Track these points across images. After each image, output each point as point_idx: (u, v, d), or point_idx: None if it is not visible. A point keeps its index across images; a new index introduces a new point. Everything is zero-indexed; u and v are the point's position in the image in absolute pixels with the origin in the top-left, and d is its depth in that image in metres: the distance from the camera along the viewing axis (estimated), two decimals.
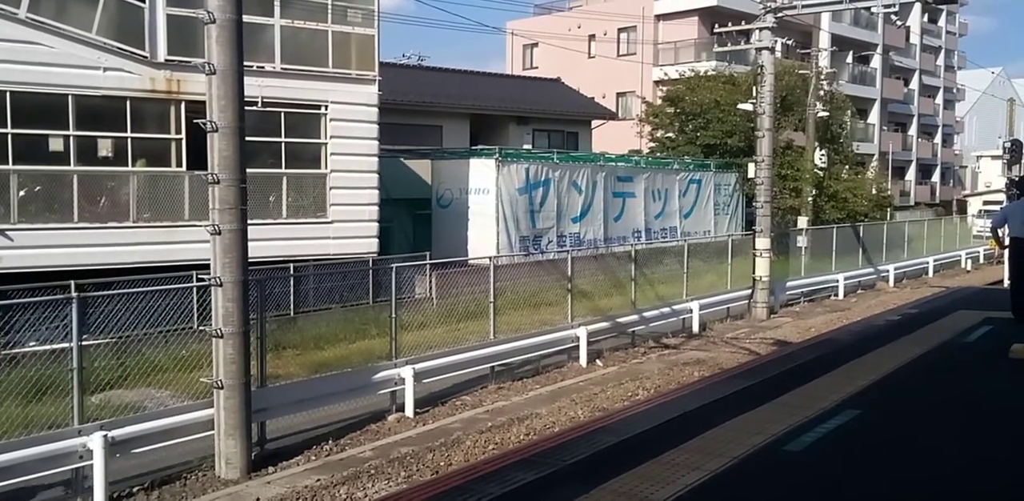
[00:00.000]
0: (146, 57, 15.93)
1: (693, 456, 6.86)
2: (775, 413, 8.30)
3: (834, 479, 6.57)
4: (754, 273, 20.60)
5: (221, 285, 9.15)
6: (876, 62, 50.91)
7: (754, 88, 21.67)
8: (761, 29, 20.97)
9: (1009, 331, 13.09)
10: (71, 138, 15.39)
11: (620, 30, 41.87)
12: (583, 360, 14.93)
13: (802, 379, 9.90)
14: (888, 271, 27.78)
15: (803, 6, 22.10)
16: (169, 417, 9.29)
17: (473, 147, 24.94)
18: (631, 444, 7.51)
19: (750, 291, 20.62)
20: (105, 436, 8.44)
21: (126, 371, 10.09)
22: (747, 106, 22.36)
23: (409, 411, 11.63)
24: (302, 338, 14.99)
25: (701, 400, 9.12)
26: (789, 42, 22.19)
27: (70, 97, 15.22)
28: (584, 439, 7.66)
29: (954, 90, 68.07)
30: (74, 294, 8.93)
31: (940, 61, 63.59)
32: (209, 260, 9.29)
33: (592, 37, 41.71)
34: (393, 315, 11.90)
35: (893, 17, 29.51)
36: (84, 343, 8.92)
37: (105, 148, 16.22)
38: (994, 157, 59.98)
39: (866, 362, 10.95)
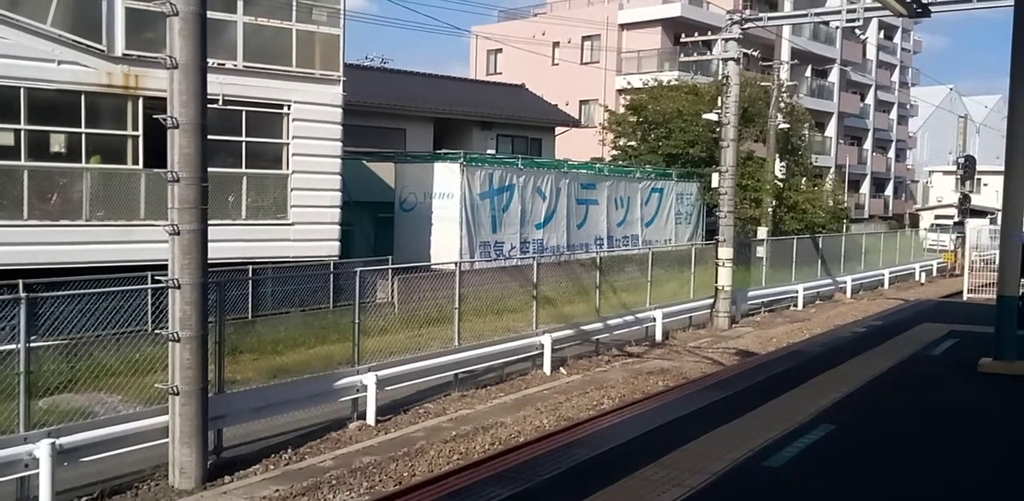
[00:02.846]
0: (103, 51, 15.44)
1: (672, 471, 6.67)
2: (751, 427, 8.16)
3: (818, 496, 6.43)
4: (716, 282, 20.58)
5: (179, 287, 8.81)
6: (834, 76, 51.56)
7: (719, 98, 21.70)
8: (727, 40, 21.01)
9: (973, 344, 13.15)
10: (22, 132, 14.86)
11: (584, 38, 41.89)
12: (547, 368, 14.74)
13: (774, 392, 9.79)
14: (846, 282, 28.03)
15: (769, 18, 22.28)
16: (121, 424, 8.93)
17: (437, 151, 24.68)
18: (607, 458, 7.29)
19: (712, 300, 20.60)
20: (53, 444, 8.09)
21: (76, 374, 9.68)
22: (712, 116, 22.39)
23: (371, 419, 11.36)
24: (260, 342, 14.62)
25: (675, 413, 8.95)
26: (755, 53, 22.24)
27: (22, 90, 14.68)
28: (558, 453, 7.43)
29: (908, 106, 69.23)
30: (22, 294, 8.51)
31: (895, 77, 64.64)
32: (165, 260, 8.97)
33: (556, 44, 41.67)
34: (356, 320, 11.60)
35: (857, 31, 29.90)
36: (32, 345, 8.53)
37: (58, 143, 15.71)
38: (946, 172, 61.11)
39: (836, 375, 10.89)
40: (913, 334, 14.62)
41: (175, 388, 8.83)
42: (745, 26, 20.89)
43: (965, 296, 24.79)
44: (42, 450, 8.04)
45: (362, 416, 11.40)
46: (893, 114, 64.86)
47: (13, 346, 8.42)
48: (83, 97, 15.32)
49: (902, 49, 66.01)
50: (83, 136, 15.47)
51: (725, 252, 20.70)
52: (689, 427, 8.23)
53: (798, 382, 10.43)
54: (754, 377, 11.01)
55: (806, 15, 20.76)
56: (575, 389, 13.53)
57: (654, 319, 18.06)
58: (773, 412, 8.82)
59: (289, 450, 10.10)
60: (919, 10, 14.09)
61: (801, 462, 7.12)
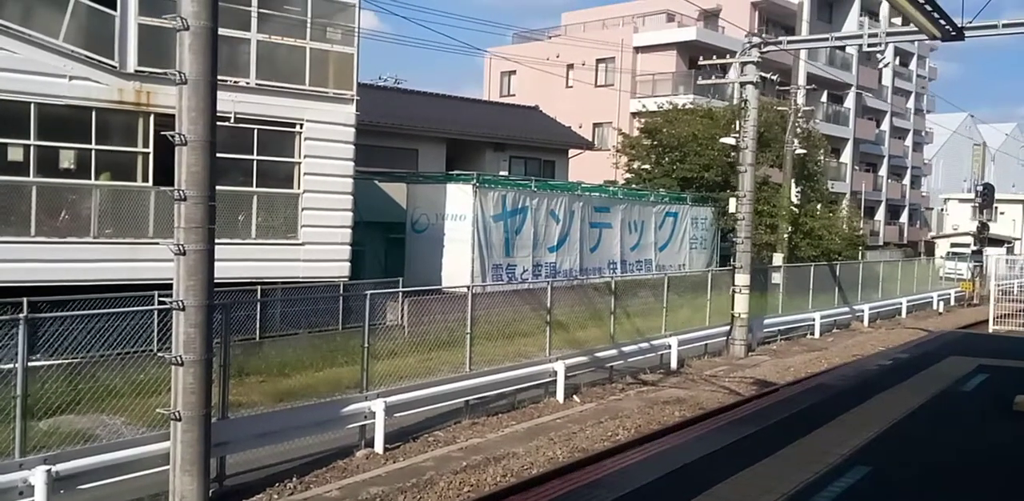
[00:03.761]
0: (115, 67, 15.25)
1: None
2: (782, 468, 7.73)
3: None
4: (733, 309, 20.18)
5: (183, 309, 8.47)
6: (850, 102, 51.31)
7: (737, 122, 21.43)
8: (744, 63, 20.74)
9: (1005, 380, 12.76)
10: (32, 148, 14.65)
11: (599, 61, 41.79)
12: (560, 395, 14.36)
13: (803, 429, 9.37)
14: (863, 311, 27.57)
15: (788, 41, 22.03)
16: (120, 450, 8.63)
17: (450, 172, 24.42)
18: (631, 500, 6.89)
19: (728, 327, 20.19)
20: (48, 471, 7.81)
21: (78, 395, 9.39)
22: (730, 140, 22.11)
23: (379, 447, 11.01)
24: (267, 364, 14.34)
25: (701, 450, 8.53)
26: (774, 77, 21.97)
27: (32, 105, 14.50)
28: (578, 494, 7.01)
29: (923, 133, 68.88)
30: (21, 315, 8.21)
31: (910, 104, 64.36)
32: (172, 279, 8.64)
33: (570, 66, 41.57)
34: (365, 345, 11.27)
35: (879, 56, 29.68)
36: (35, 364, 8.25)
37: (67, 160, 15.50)
38: (961, 200, 60.68)
39: (866, 411, 10.45)
40: (941, 368, 14.15)
41: (177, 413, 8.48)
42: (764, 49, 20.62)
43: (991, 328, 24.26)
44: (38, 477, 7.76)
45: (370, 444, 11.06)
46: (908, 141, 64.50)
47: (11, 365, 8.14)
48: (94, 113, 15.12)
49: (917, 76, 65.78)
50: (93, 152, 15.25)
51: (742, 279, 20.32)
52: (716, 467, 7.81)
53: (827, 418, 9.99)
54: (780, 412, 10.58)
55: (827, 39, 20.47)
56: (589, 418, 13.15)
57: (669, 346, 17.67)
58: (804, 451, 8.38)
59: (294, 479, 9.77)
60: (953, 33, 13.73)
61: None
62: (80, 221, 15.33)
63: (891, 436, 9.26)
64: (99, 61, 15.10)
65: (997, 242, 47.16)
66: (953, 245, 52.81)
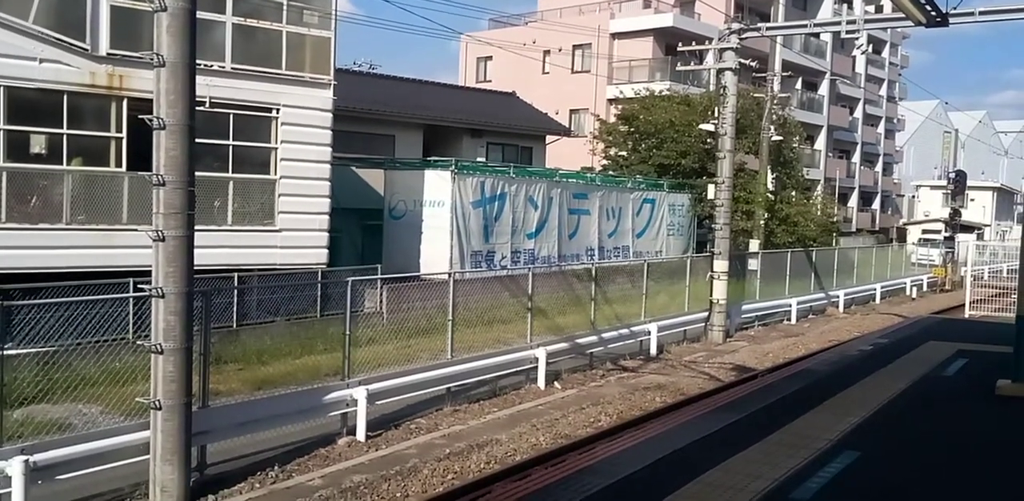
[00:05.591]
0: (87, 49, 14.95)
1: None
2: (771, 453, 7.72)
3: None
4: (711, 296, 20.23)
5: (163, 296, 8.33)
6: (824, 89, 51.53)
7: (716, 108, 21.39)
8: (723, 50, 20.71)
9: (985, 365, 12.86)
10: (1, 132, 14.34)
11: (575, 47, 41.61)
12: (541, 382, 14.33)
13: (788, 415, 9.38)
14: (838, 297, 27.76)
15: (767, 28, 21.99)
16: (99, 440, 8.49)
17: (427, 158, 24.24)
18: (624, 489, 6.83)
19: (706, 313, 20.23)
20: (26, 461, 7.64)
21: (52, 384, 9.22)
22: (708, 126, 22.10)
23: (361, 435, 10.94)
24: (244, 352, 14.18)
25: (688, 437, 8.50)
26: (753, 63, 21.94)
27: (2, 89, 14.19)
28: (571, 481, 6.95)
29: (895, 120, 69.37)
30: None
31: (883, 91, 64.76)
32: (147, 266, 8.50)
33: (547, 52, 41.36)
34: (347, 332, 11.17)
35: (856, 42, 29.78)
36: (8, 352, 8.08)
37: (38, 144, 15.17)
38: (933, 187, 61.27)
39: (850, 396, 10.48)
40: (921, 353, 14.24)
41: (157, 403, 8.35)
42: (743, 36, 20.59)
43: (966, 313, 24.55)
44: (14, 468, 7.60)
45: (352, 431, 10.98)
46: (881, 128, 64.96)
47: None
48: (65, 97, 14.82)
49: (890, 64, 66.16)
50: (64, 137, 14.96)
51: (720, 265, 20.36)
52: (706, 453, 7.78)
53: (812, 404, 10.01)
54: (764, 398, 10.59)
55: (806, 25, 20.51)
56: (571, 404, 13.13)
57: (649, 332, 17.68)
58: (792, 437, 8.38)
59: (276, 467, 9.67)
60: (938, 19, 13.73)
61: (829, 495, 6.68)
62: (52, 207, 15.05)
63: (877, 421, 9.29)
64: (70, 44, 14.78)
65: (968, 228, 47.69)
66: (925, 231, 53.36)
